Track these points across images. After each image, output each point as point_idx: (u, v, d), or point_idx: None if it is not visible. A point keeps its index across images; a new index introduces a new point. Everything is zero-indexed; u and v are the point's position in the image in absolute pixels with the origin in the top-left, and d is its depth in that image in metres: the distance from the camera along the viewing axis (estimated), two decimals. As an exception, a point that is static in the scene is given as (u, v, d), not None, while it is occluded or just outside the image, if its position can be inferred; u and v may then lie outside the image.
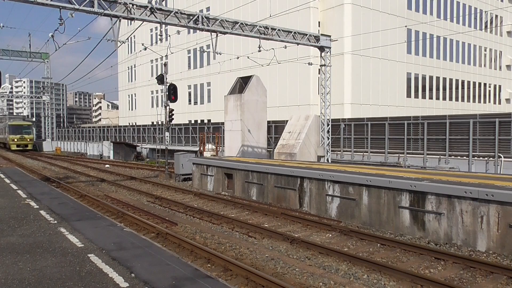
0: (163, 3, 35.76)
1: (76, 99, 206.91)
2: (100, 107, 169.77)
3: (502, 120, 17.81)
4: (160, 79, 24.02)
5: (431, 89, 41.68)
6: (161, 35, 33.41)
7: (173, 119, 24.45)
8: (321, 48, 22.21)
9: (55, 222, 10.12)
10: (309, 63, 25.08)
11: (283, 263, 8.44)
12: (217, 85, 42.22)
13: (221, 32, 18.45)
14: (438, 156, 19.84)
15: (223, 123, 26.97)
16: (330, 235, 10.76)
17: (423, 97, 40.74)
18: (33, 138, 56.36)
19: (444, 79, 43.01)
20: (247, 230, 11.25)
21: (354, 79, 33.35)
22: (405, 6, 37.40)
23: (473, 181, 10.60)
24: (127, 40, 24.66)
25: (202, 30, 18.22)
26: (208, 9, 42.33)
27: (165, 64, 24.86)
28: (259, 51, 19.51)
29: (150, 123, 46.92)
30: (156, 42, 43.57)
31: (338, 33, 30.65)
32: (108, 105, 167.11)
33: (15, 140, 53.92)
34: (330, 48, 22.42)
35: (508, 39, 51.01)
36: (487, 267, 7.97)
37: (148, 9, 16.27)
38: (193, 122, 43.86)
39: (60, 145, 60.59)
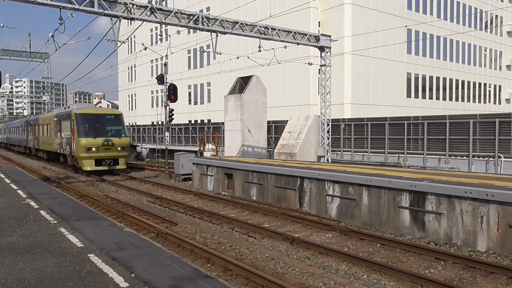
0: (163, 3, 35.76)
1: (76, 99, 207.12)
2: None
3: (502, 120, 17.81)
4: (160, 79, 24.01)
5: (431, 89, 41.68)
6: (161, 35, 33.41)
7: (173, 119, 24.45)
8: (321, 48, 22.20)
9: (55, 222, 10.11)
10: (309, 63, 25.08)
11: (283, 263, 8.44)
12: (217, 85, 42.21)
13: (221, 32, 18.45)
14: (438, 156, 19.84)
15: (223, 123, 26.96)
16: (330, 235, 10.76)
17: (423, 97, 40.74)
18: (128, 143, 26.34)
19: (444, 79, 43.01)
20: (247, 230, 11.25)
21: (354, 79, 33.34)
22: (405, 6, 37.39)
23: (473, 181, 10.60)
24: (127, 40, 24.63)
25: (202, 30, 18.21)
26: (208, 9, 42.32)
27: (165, 64, 24.86)
28: (259, 51, 19.50)
29: (150, 123, 46.94)
30: (156, 42, 43.59)
31: (338, 33, 30.65)
32: (108, 105, 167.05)
33: (94, 149, 23.83)
34: (330, 48, 22.41)
35: (508, 39, 51.00)
36: (487, 267, 7.97)
37: (148, 9, 16.27)
38: (193, 122, 43.86)
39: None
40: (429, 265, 8.41)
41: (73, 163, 25.55)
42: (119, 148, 24.52)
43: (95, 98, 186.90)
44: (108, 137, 24.34)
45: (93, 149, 23.62)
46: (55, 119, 28.34)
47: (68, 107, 27.69)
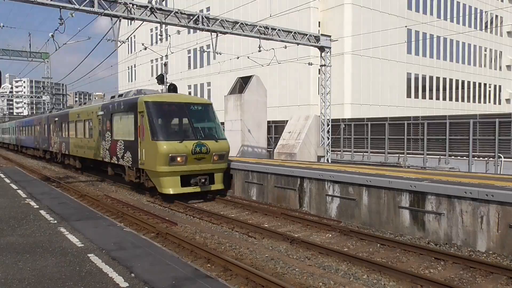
0: (163, 3, 35.79)
1: (76, 98, 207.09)
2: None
3: (502, 120, 17.82)
4: (160, 79, 24.01)
5: (431, 89, 41.70)
6: (161, 35, 33.39)
7: (173, 119, 24.42)
8: (321, 48, 22.21)
9: (55, 221, 10.11)
10: (309, 63, 25.10)
11: (283, 263, 8.44)
12: (217, 85, 42.23)
13: (221, 32, 18.46)
14: (438, 156, 19.85)
15: (223, 123, 26.98)
16: (330, 235, 10.75)
17: (423, 97, 40.76)
18: (228, 149, 16.41)
19: (444, 79, 43.03)
20: (247, 230, 11.24)
21: (354, 79, 33.35)
22: (405, 6, 37.40)
23: (473, 181, 10.60)
24: (127, 40, 24.62)
25: (202, 30, 18.23)
26: (208, 9, 42.34)
27: (165, 64, 24.86)
28: (259, 51, 19.52)
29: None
30: (156, 42, 43.61)
31: (338, 33, 30.65)
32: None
33: (179, 159, 14.69)
34: (330, 48, 22.42)
35: (508, 39, 51.02)
36: (487, 267, 7.96)
37: (148, 9, 16.28)
38: (193, 122, 43.81)
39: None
40: (429, 265, 8.41)
41: (137, 180, 16.62)
42: (215, 157, 15.59)
43: (95, 98, 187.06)
44: (199, 139, 15.36)
45: (179, 159, 14.66)
46: (101, 112, 19.47)
47: (120, 96, 19.35)
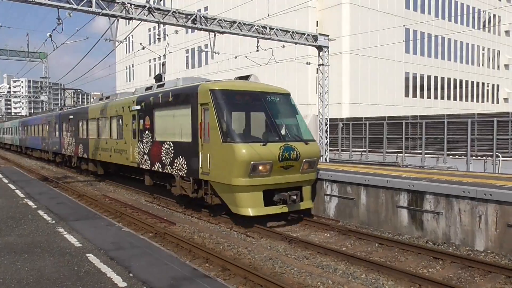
0: (161, 2, 35.75)
1: (74, 98, 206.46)
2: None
3: (500, 119, 17.86)
4: (158, 79, 23.96)
5: (429, 89, 41.75)
6: (159, 35, 33.38)
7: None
8: (319, 48, 22.20)
9: (53, 222, 10.10)
10: (307, 63, 25.06)
11: (281, 262, 8.44)
12: (215, 84, 42.17)
13: (219, 32, 18.44)
14: (436, 156, 19.88)
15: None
16: (328, 235, 10.76)
17: (421, 96, 40.80)
18: (319, 153, 12.71)
19: (442, 78, 43.08)
20: (245, 229, 11.24)
21: (352, 78, 33.36)
22: (403, 6, 37.43)
23: (471, 180, 10.62)
24: (125, 40, 24.56)
25: (200, 29, 18.19)
26: (206, 8, 42.28)
27: (163, 64, 24.81)
28: (257, 50, 19.49)
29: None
30: (154, 42, 43.50)
31: (336, 32, 30.65)
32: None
33: (262, 168, 10.86)
34: (328, 47, 22.41)
35: (506, 38, 51.10)
36: (485, 266, 7.98)
37: (146, 8, 16.24)
38: (191, 121, 43.75)
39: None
40: (427, 264, 8.42)
41: (195, 194, 12.76)
42: (305, 166, 11.85)
43: (93, 98, 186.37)
44: (287, 141, 11.61)
45: (261, 167, 10.93)
46: (136, 107, 15.82)
47: (160, 86, 15.41)
